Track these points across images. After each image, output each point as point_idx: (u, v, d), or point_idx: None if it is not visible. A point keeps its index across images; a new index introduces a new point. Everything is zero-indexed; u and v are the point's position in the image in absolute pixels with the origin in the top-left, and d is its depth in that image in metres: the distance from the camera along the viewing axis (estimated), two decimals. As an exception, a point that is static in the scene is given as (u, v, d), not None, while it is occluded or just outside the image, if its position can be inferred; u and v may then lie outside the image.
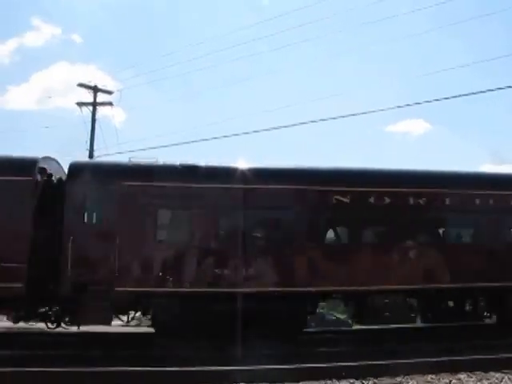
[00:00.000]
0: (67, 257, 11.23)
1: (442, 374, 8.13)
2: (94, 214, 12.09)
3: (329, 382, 7.68)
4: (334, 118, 19.33)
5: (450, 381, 7.85)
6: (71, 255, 11.23)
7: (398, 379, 7.84)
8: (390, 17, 61.55)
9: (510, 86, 16.09)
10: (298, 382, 7.56)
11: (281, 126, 20.16)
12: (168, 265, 11.95)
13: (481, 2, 60.04)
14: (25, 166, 11.86)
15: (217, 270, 12.03)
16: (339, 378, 7.77)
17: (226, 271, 12.06)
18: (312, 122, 19.31)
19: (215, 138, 21.28)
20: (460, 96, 16.93)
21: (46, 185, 12.07)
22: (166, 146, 22.87)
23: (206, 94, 68.15)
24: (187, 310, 11.61)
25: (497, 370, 8.39)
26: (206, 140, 21.82)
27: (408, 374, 7.94)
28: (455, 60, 64.37)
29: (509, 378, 7.97)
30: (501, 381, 7.88)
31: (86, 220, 12.02)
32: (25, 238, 11.20)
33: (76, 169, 12.15)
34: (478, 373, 8.29)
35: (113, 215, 11.72)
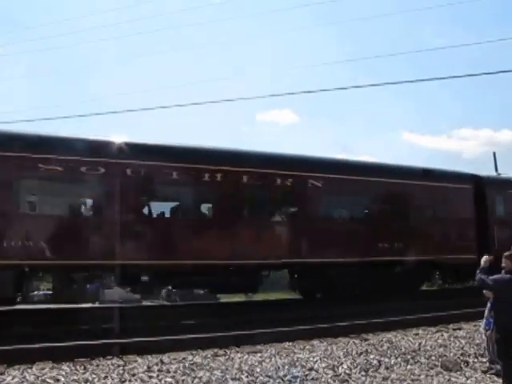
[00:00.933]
0: (493, 238, 17.66)
1: (298, 340, 8.93)
2: (504, 211, 18.58)
3: (194, 352, 8.06)
4: (199, 104, 19.42)
5: (305, 346, 8.63)
6: (497, 236, 17.63)
7: (259, 347, 8.47)
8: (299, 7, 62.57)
9: (390, 83, 17.46)
10: (165, 353, 7.83)
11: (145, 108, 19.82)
12: None
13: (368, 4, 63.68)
14: (470, 178, 18.23)
15: None
16: (203, 349, 8.19)
17: None
18: (178, 105, 19.39)
19: (97, 114, 20.23)
20: (334, 89, 17.80)
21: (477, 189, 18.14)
22: (30, 121, 21.42)
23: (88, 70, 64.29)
24: None
25: (345, 336, 9.42)
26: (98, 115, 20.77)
27: (267, 343, 8.60)
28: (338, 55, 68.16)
29: (353, 342, 8.98)
30: (347, 344, 8.84)
31: (500, 213, 18.44)
32: (473, 225, 17.51)
33: (489, 181, 19.01)
34: (328, 338, 9.23)
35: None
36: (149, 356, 7.66)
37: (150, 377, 6.80)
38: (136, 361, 7.44)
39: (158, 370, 7.03)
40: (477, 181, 18.21)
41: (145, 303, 18.08)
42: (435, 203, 17.22)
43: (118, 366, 7.15)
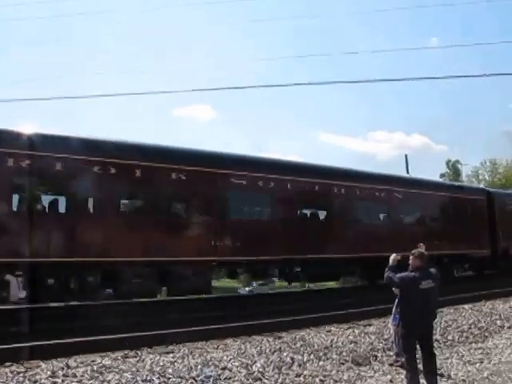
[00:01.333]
0: (499, 236, 22.72)
1: (211, 340, 8.84)
2: (506, 217, 23.55)
3: (109, 352, 7.78)
4: (111, 95, 18.86)
5: (218, 346, 8.57)
6: (501, 236, 22.78)
7: (171, 347, 8.29)
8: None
9: (299, 84, 17.83)
10: (71, 356, 7.45)
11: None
12: None
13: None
14: (484, 191, 24.33)
15: None
16: (113, 350, 7.89)
17: None
18: (82, 97, 18.58)
19: None
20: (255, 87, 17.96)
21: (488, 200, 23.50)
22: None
23: None
24: None
25: (258, 334, 9.45)
26: None
27: (179, 343, 8.44)
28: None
29: (267, 340, 9.03)
30: (261, 342, 8.88)
31: (503, 219, 23.32)
32: (485, 228, 22.58)
33: (496, 194, 24.75)
34: (243, 337, 9.22)
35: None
36: (54, 360, 7.25)
37: (54, 382, 6.44)
38: (39, 366, 7.00)
39: (64, 375, 6.66)
40: (488, 193, 23.93)
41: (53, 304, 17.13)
42: (465, 210, 22.09)
43: (18, 373, 6.67)
